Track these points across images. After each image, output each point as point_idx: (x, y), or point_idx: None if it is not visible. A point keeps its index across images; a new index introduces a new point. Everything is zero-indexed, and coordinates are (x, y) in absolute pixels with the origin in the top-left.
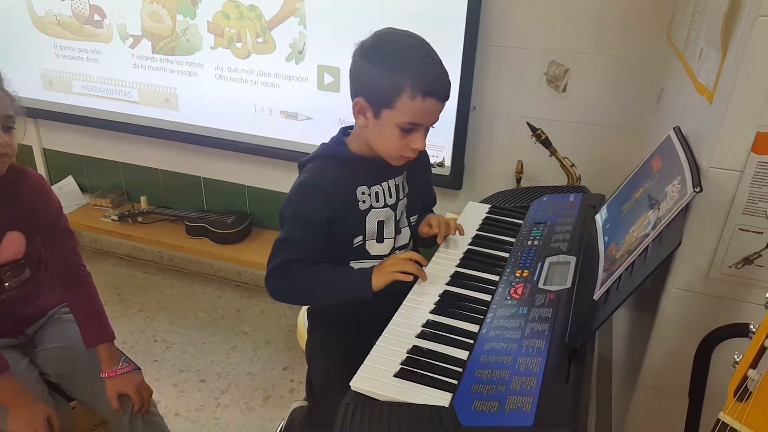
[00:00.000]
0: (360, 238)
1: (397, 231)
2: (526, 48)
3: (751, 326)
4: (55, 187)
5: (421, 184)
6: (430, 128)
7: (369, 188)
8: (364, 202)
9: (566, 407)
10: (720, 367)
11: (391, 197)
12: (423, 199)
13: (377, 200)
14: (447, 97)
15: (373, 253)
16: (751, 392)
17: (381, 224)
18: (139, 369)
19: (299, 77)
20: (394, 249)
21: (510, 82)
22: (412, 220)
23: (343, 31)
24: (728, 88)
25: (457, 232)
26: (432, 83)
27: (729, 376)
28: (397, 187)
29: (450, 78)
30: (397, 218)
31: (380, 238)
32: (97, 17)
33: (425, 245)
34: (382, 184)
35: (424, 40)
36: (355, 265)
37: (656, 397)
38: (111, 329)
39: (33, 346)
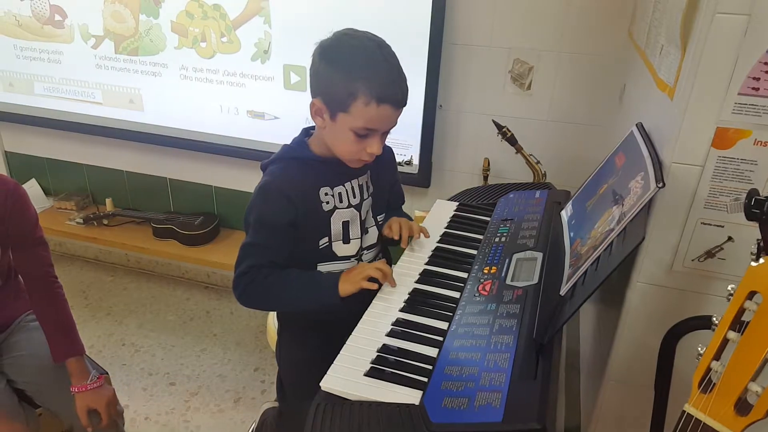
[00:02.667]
0: (326, 239)
1: (364, 231)
2: (491, 46)
3: (714, 318)
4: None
5: (386, 182)
6: (393, 129)
7: (332, 189)
8: (327, 203)
9: (535, 402)
10: (685, 359)
11: (354, 197)
12: (389, 198)
13: (341, 201)
14: (403, 104)
15: (339, 254)
16: (714, 384)
17: (346, 225)
18: (107, 374)
19: (265, 77)
20: (361, 249)
21: (475, 81)
22: (379, 219)
23: (308, 30)
24: (688, 84)
25: (422, 234)
26: (387, 90)
27: (693, 368)
28: (360, 187)
29: (409, 80)
30: (363, 218)
31: (346, 239)
32: (57, 17)
33: (392, 244)
34: (345, 184)
35: (383, 43)
36: (323, 267)
37: (623, 390)
38: (81, 343)
39: (2, 355)
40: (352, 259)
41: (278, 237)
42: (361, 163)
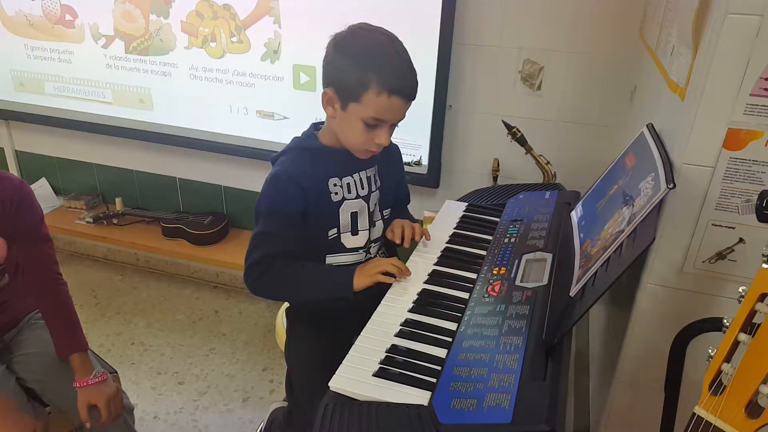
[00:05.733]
0: (335, 230)
1: (372, 224)
2: (501, 46)
3: (725, 320)
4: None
5: (393, 178)
6: (398, 125)
7: (341, 179)
8: (336, 193)
9: (544, 403)
10: (695, 361)
11: (363, 189)
12: (395, 194)
13: (349, 191)
14: (413, 97)
15: (348, 245)
16: (725, 386)
17: (354, 216)
18: (116, 373)
19: (275, 77)
20: (369, 242)
21: (485, 81)
22: (385, 214)
23: (318, 30)
24: (700, 85)
25: (424, 237)
26: (398, 82)
27: (704, 370)
28: (368, 179)
29: (418, 78)
30: (371, 210)
31: (355, 231)
32: (68, 17)
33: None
34: (354, 175)
35: (395, 38)
36: (331, 258)
37: (633, 391)
38: (84, 339)
39: (9, 352)
40: (361, 251)
41: (291, 225)
42: (368, 153)
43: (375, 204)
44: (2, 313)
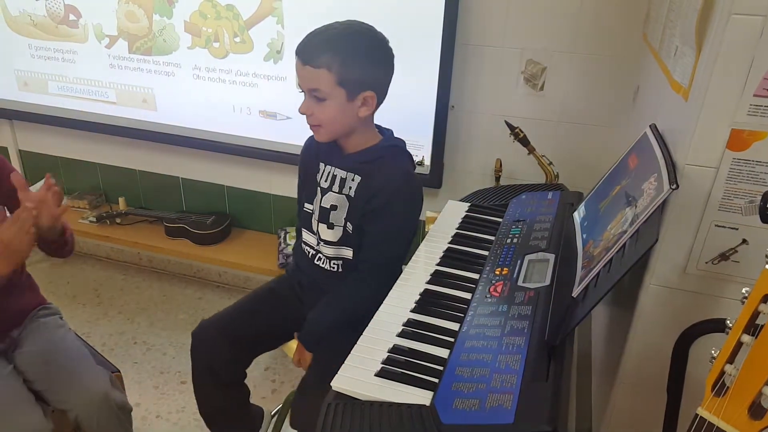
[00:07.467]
0: (310, 206)
1: (323, 220)
2: (504, 47)
3: (728, 321)
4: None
5: (366, 204)
6: (321, 99)
7: (326, 166)
8: (320, 175)
9: (546, 404)
10: (698, 362)
11: (326, 182)
12: (364, 223)
13: (320, 177)
14: (305, 59)
15: (313, 228)
16: (728, 387)
17: (317, 202)
18: (119, 372)
19: (278, 77)
20: (320, 236)
21: (488, 81)
22: (348, 225)
23: None
24: (703, 85)
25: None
26: (299, 44)
27: (706, 371)
28: (334, 177)
29: (324, 45)
30: (322, 205)
31: (316, 217)
32: (72, 17)
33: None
34: (328, 166)
35: (348, 22)
36: (304, 233)
37: (635, 392)
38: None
39: (13, 351)
40: (314, 237)
41: (300, 180)
42: (312, 128)
43: (332, 204)
44: (7, 307)
